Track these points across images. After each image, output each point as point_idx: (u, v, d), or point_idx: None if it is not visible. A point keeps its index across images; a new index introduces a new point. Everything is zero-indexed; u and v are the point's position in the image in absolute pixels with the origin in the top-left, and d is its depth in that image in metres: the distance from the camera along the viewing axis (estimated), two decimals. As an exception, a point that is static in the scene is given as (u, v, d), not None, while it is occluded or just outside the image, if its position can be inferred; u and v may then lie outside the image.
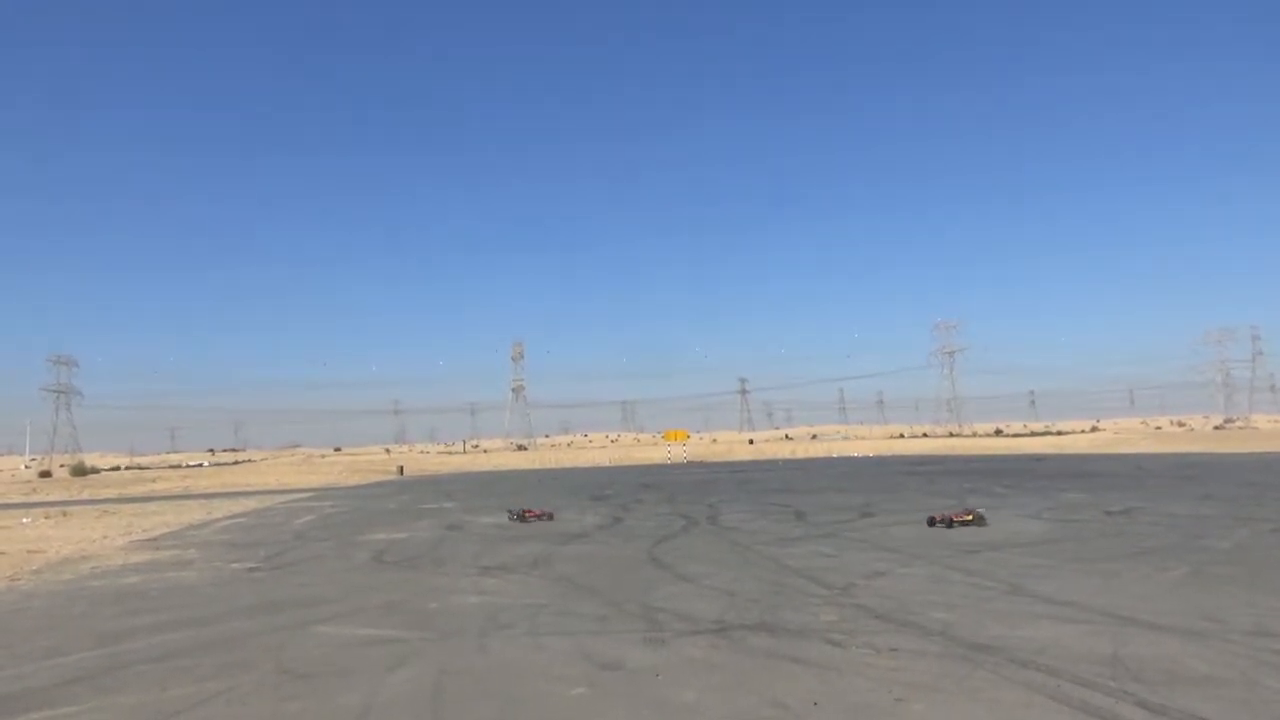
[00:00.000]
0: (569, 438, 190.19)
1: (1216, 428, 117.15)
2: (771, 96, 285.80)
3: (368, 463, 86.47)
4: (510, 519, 21.68)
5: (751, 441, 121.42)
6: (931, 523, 16.99)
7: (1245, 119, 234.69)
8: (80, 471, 79.29)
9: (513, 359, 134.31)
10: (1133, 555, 12.70)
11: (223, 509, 30.86)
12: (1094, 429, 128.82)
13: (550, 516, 21.74)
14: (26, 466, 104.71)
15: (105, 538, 21.15)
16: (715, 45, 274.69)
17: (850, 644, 7.85)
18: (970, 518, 16.92)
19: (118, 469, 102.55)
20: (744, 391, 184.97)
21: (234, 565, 15.12)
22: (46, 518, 28.84)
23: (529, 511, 21.90)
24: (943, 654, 7.38)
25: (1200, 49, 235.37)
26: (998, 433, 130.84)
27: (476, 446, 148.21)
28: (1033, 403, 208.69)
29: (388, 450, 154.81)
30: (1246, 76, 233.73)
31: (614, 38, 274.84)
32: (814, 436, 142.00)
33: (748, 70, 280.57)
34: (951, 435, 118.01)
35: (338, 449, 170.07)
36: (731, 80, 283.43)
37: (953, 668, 6.95)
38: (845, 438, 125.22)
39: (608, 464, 76.44)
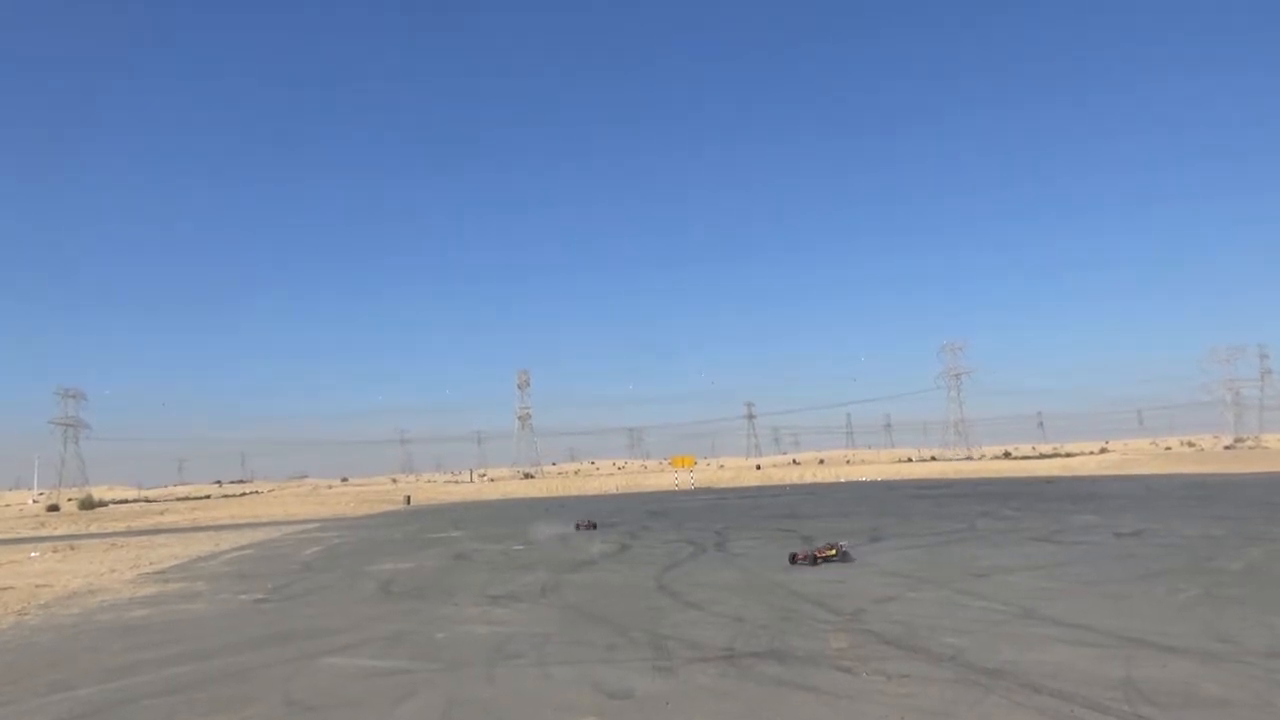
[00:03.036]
0: (576, 465, 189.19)
1: (1226, 447, 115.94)
2: (777, 117, 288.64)
3: (375, 493, 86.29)
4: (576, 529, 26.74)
5: (759, 467, 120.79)
6: (793, 560, 15.66)
7: (1252, 135, 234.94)
8: (88, 505, 79.11)
9: (518, 387, 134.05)
10: (1144, 577, 12.60)
11: (230, 541, 30.83)
12: (1103, 450, 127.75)
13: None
14: (35, 500, 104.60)
15: (113, 571, 21.15)
16: (718, 70, 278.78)
17: (860, 670, 7.80)
18: (834, 552, 15.61)
19: (126, 501, 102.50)
20: (751, 416, 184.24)
21: (241, 597, 15.11)
22: (54, 551, 28.85)
23: (582, 523, 27.25)
24: (954, 679, 7.33)
25: (1201, 65, 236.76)
26: (1006, 455, 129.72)
27: (483, 475, 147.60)
28: (1041, 424, 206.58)
29: (394, 480, 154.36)
30: (1248, 91, 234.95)
31: (606, 58, 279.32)
32: (821, 461, 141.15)
33: (752, 93, 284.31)
34: (960, 458, 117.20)
35: (345, 479, 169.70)
36: (736, 103, 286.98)
37: (964, 693, 6.91)
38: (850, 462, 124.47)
39: (615, 491, 76.11)
